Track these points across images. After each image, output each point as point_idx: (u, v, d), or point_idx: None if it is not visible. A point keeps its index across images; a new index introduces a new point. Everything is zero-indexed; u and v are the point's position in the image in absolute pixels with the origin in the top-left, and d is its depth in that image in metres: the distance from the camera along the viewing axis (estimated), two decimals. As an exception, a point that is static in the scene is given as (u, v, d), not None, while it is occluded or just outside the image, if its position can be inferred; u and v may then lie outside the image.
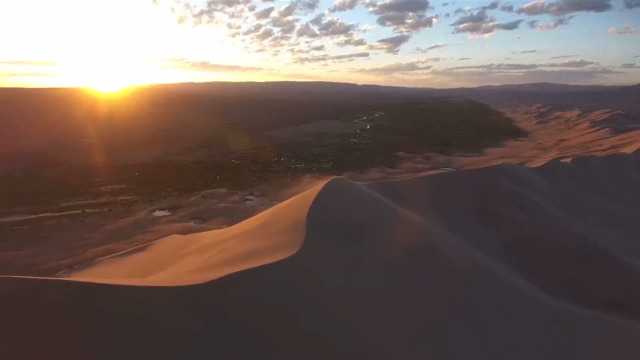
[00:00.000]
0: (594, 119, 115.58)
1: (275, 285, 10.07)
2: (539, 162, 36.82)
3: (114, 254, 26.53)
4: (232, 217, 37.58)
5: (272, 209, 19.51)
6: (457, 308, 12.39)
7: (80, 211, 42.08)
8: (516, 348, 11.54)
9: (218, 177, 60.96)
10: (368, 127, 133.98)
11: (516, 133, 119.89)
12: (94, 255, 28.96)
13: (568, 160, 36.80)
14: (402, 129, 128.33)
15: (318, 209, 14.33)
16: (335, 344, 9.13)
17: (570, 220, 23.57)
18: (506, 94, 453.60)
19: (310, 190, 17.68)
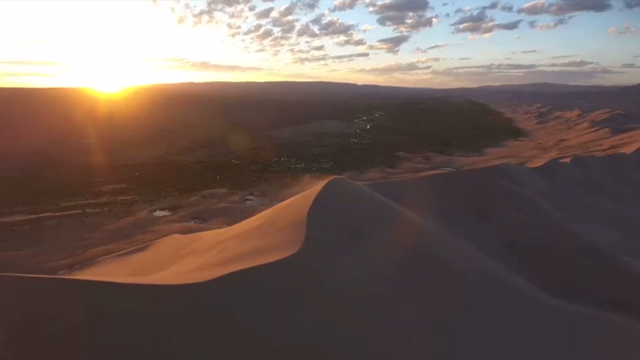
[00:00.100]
0: (593, 119, 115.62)
1: (275, 285, 10.09)
2: (538, 162, 36.85)
3: (114, 254, 26.56)
4: (232, 217, 37.61)
5: (272, 208, 19.54)
6: (457, 308, 12.41)
7: (80, 211, 42.12)
8: (516, 348, 11.56)
9: (218, 177, 61.00)
10: (368, 127, 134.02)
11: (516, 133, 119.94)
12: (95, 255, 29.00)
13: (567, 160, 36.82)
14: (402, 129, 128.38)
15: (318, 208, 14.35)
16: (335, 344, 9.15)
17: (570, 220, 23.58)
18: (506, 94, 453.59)
19: (310, 190, 17.71)
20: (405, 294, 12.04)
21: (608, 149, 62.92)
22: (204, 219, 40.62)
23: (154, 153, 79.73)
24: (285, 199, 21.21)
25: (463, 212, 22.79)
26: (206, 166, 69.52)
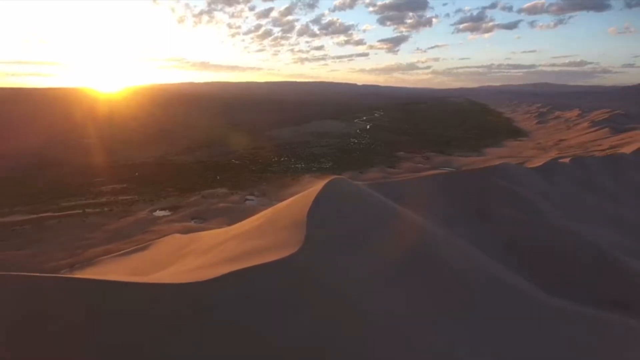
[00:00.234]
0: (593, 119, 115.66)
1: (275, 285, 10.10)
2: (538, 162, 36.84)
3: (114, 254, 26.56)
4: (233, 217, 37.62)
5: (272, 208, 19.55)
6: (457, 308, 12.42)
7: (81, 211, 42.13)
8: (516, 348, 11.57)
9: (218, 177, 61.02)
10: (368, 127, 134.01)
11: (516, 133, 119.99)
12: (95, 255, 29.01)
13: (567, 160, 36.83)
14: (402, 129, 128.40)
15: (318, 208, 14.35)
16: (335, 344, 9.16)
17: (570, 220, 23.59)
18: (506, 94, 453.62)
19: (310, 190, 17.71)
20: (405, 294, 12.05)
21: (608, 149, 62.94)
22: (204, 218, 40.64)
23: (154, 153, 79.75)
24: (285, 199, 21.22)
25: (463, 212, 22.80)
26: (206, 166, 69.54)
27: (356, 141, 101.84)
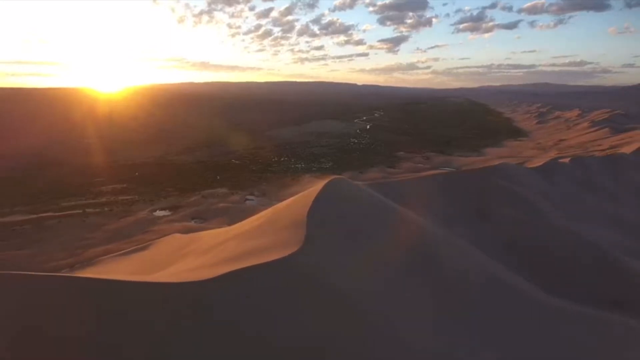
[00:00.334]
0: (593, 119, 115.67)
1: (275, 284, 10.10)
2: (538, 162, 36.85)
3: (114, 254, 26.57)
4: (233, 216, 37.63)
5: (272, 208, 19.55)
6: (457, 308, 12.43)
7: (81, 211, 42.15)
8: (516, 348, 11.57)
9: (218, 177, 61.04)
10: (368, 127, 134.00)
11: (516, 133, 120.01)
12: (95, 255, 29.02)
13: (567, 160, 36.83)
14: (402, 129, 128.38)
15: (318, 208, 14.36)
16: (335, 344, 9.17)
17: (570, 220, 23.59)
18: (506, 94, 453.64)
19: (310, 190, 17.71)
20: (405, 294, 12.06)
21: (608, 149, 62.94)
22: (204, 218, 40.65)
23: (154, 153, 79.77)
24: (285, 199, 21.22)
25: (463, 212, 22.81)
26: (206, 166, 69.56)
27: (356, 141, 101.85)
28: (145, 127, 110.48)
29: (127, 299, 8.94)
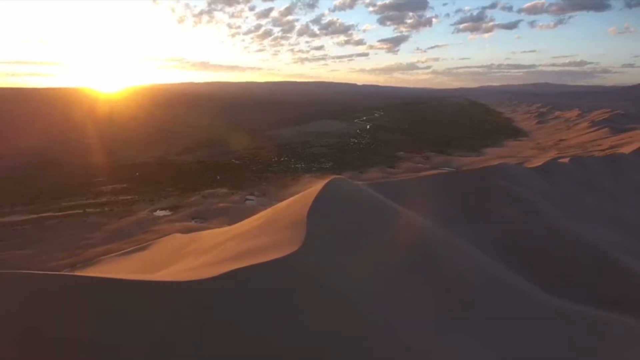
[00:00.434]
0: (593, 119, 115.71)
1: (275, 284, 10.11)
2: (537, 162, 36.86)
3: (115, 254, 26.58)
4: (233, 216, 37.65)
5: (272, 208, 19.56)
6: (457, 308, 12.44)
7: (81, 211, 42.17)
8: (516, 348, 11.58)
9: (218, 177, 61.06)
10: (368, 127, 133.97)
11: (516, 133, 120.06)
12: (95, 254, 29.04)
13: (566, 160, 36.84)
14: (402, 129, 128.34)
15: (318, 208, 14.37)
16: (335, 344, 9.17)
17: (570, 220, 23.60)
18: (506, 94, 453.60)
19: (310, 190, 17.72)
20: (405, 294, 12.07)
21: (607, 149, 62.94)
22: (204, 218, 40.68)
23: (154, 153, 79.78)
24: (285, 199, 21.23)
25: (463, 212, 22.82)
26: (206, 166, 69.57)
27: (356, 141, 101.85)
28: (145, 127, 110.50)
29: (127, 298, 8.94)
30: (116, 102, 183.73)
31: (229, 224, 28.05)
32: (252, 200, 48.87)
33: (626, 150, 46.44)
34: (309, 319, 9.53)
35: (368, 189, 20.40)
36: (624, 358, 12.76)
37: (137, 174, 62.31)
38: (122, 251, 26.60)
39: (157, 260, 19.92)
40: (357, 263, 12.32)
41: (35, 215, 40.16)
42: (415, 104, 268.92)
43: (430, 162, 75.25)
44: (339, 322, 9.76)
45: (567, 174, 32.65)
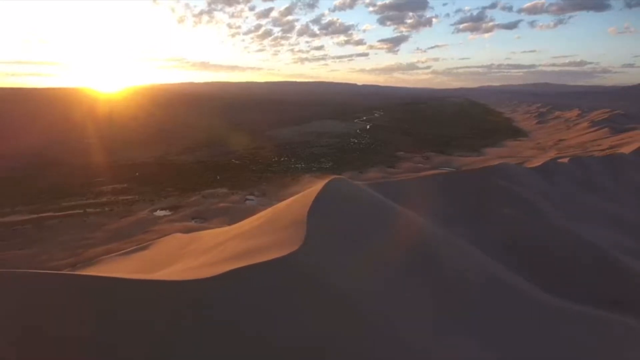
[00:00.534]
0: (593, 119, 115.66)
1: (275, 284, 10.11)
2: (537, 162, 36.85)
3: (115, 253, 26.57)
4: (233, 216, 37.65)
5: (272, 208, 19.56)
6: (457, 308, 12.44)
7: (81, 211, 42.18)
8: (516, 348, 11.59)
9: (218, 177, 61.05)
10: (368, 127, 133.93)
11: (516, 133, 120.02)
12: (95, 254, 29.04)
13: (566, 160, 36.84)
14: (402, 129, 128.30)
15: (318, 208, 14.37)
16: (335, 344, 9.18)
17: (570, 220, 23.60)
18: (506, 94, 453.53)
19: (310, 189, 17.73)
20: (405, 294, 12.07)
21: (607, 149, 62.92)
22: (204, 218, 40.68)
23: (154, 153, 79.77)
24: (285, 199, 21.23)
25: (463, 212, 22.82)
26: (206, 166, 69.57)
27: (356, 141, 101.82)
28: (145, 127, 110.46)
29: (127, 298, 8.95)
30: (116, 102, 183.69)
31: (229, 224, 28.05)
32: (252, 200, 48.87)
33: (626, 150, 46.43)
34: (309, 318, 9.54)
35: (368, 189, 20.41)
36: (624, 358, 12.76)
37: (137, 174, 62.30)
38: (122, 251, 26.59)
39: (157, 260, 19.92)
40: (357, 263, 12.32)
41: (35, 215, 40.17)
42: (415, 104, 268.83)
43: (430, 162, 75.24)
44: (339, 322, 9.76)
45: (567, 174, 32.65)
